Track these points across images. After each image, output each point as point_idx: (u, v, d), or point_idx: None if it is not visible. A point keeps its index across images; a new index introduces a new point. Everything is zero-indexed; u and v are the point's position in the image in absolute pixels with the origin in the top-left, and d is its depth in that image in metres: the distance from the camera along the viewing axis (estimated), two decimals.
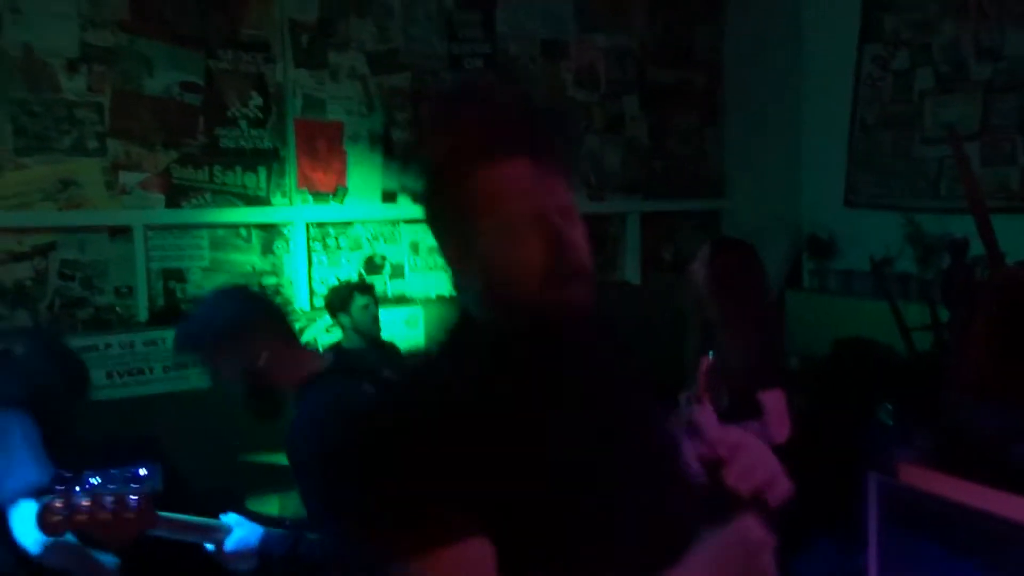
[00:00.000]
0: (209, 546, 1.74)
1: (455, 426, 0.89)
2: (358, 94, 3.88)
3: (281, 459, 2.75)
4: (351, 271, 3.89)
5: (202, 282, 3.58)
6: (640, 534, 0.96)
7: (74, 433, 2.15)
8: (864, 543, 2.66)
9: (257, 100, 3.67)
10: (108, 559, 2.01)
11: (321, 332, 3.77)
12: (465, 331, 1.02)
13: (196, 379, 3.48)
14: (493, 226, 0.94)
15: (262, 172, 3.69)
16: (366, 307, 3.37)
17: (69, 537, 1.87)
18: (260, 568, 1.70)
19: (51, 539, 1.80)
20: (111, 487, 1.63)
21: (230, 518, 1.74)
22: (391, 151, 3.97)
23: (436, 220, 1.02)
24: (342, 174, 3.87)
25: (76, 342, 3.24)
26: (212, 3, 3.55)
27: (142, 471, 3.03)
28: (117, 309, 3.42)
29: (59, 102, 3.29)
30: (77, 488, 1.61)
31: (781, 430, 2.43)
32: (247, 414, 1.84)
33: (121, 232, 3.42)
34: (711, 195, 4.90)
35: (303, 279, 3.76)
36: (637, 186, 4.66)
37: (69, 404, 2.21)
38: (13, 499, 1.88)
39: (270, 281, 3.72)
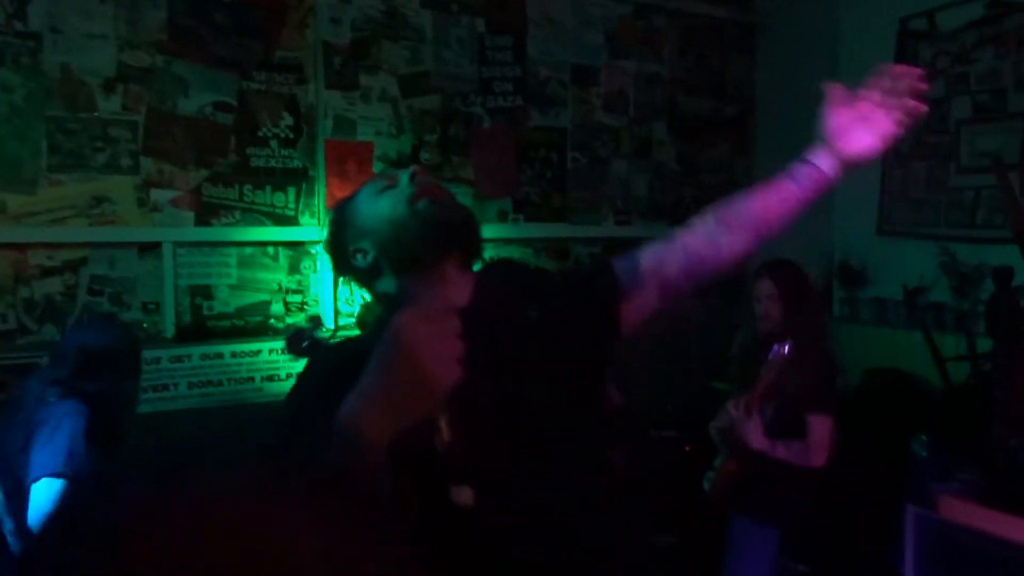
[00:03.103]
0: None
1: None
2: (388, 116, 3.90)
3: None
4: None
5: (229, 299, 3.59)
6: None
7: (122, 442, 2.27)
8: None
9: (288, 120, 3.70)
10: None
11: None
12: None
13: (220, 396, 3.49)
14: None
15: (291, 192, 3.71)
16: None
17: None
18: None
19: None
20: None
21: None
22: None
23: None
24: None
25: None
26: (248, 25, 3.60)
27: None
28: (144, 325, 3.44)
29: (94, 120, 3.34)
30: None
31: (819, 457, 2.41)
32: None
33: (150, 248, 3.44)
34: None
35: (329, 298, 3.76)
36: (664, 211, 4.64)
37: (126, 413, 2.35)
38: (37, 477, 1.97)
39: (296, 300, 3.73)
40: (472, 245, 1.25)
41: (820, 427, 2.46)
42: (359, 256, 1.25)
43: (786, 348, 2.32)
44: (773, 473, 2.45)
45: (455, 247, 1.21)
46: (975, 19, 3.86)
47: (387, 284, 1.24)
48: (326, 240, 1.36)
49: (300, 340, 1.84)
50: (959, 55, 3.94)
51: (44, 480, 1.97)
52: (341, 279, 1.35)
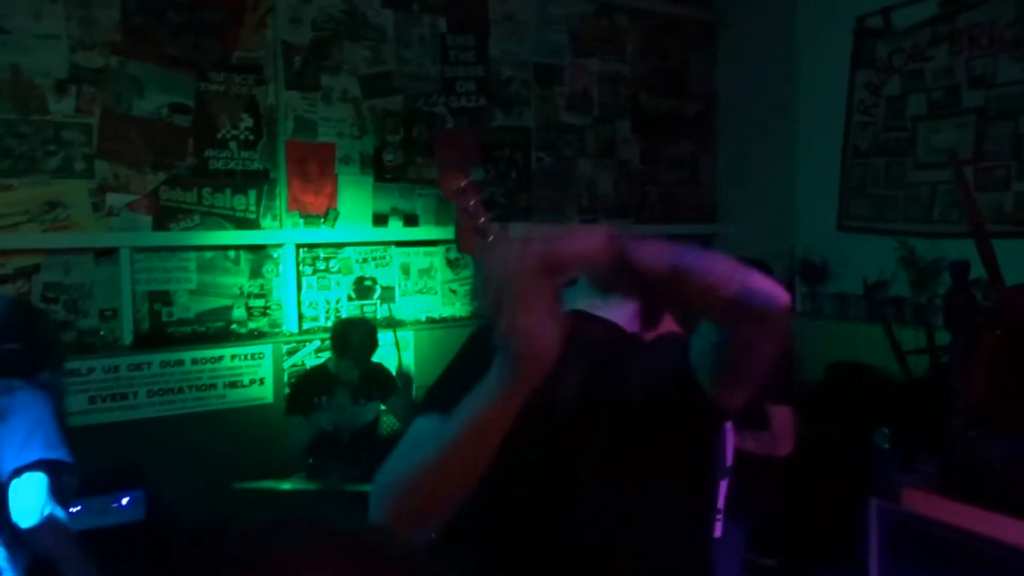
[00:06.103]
0: None
1: None
2: (350, 116, 3.86)
3: (268, 484, 2.67)
4: (341, 294, 3.84)
5: (189, 305, 3.52)
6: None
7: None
8: (863, 571, 2.61)
9: (248, 122, 3.64)
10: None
11: (310, 355, 3.72)
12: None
13: (182, 404, 3.42)
14: None
15: (252, 194, 3.65)
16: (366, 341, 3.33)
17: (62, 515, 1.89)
18: None
19: (45, 518, 1.84)
20: None
21: None
22: (382, 174, 3.95)
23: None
24: (333, 197, 3.83)
25: None
26: (205, 25, 3.53)
27: (124, 500, 2.96)
28: (101, 332, 3.36)
29: (46, 123, 3.25)
30: None
31: (786, 446, 2.44)
32: None
33: (107, 254, 3.36)
34: (704, 220, 4.90)
35: (292, 302, 3.71)
36: (629, 210, 4.66)
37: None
38: (16, 474, 1.87)
39: (258, 304, 3.67)
40: None
41: (781, 416, 2.50)
42: None
43: None
44: (744, 468, 2.47)
45: None
46: (929, 17, 3.93)
47: None
48: None
49: None
50: (914, 53, 4.01)
51: (28, 476, 1.87)
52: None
